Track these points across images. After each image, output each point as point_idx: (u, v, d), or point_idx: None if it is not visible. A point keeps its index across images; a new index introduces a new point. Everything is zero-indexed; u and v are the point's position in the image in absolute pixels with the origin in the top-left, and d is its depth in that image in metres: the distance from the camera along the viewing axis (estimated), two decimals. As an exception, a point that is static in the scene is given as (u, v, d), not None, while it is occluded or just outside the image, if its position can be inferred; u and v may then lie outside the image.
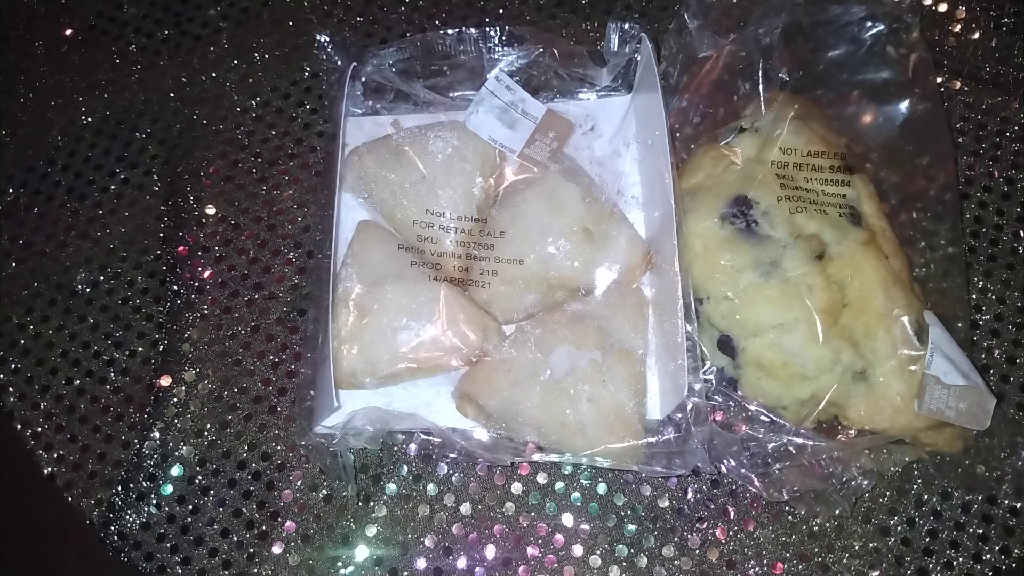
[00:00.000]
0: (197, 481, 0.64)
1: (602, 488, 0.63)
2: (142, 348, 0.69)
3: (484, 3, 0.81)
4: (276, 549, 0.62)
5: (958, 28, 0.77)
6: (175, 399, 0.67)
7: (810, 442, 0.57)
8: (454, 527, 0.62)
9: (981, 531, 0.61)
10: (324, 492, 0.63)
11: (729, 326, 0.60)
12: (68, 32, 0.82)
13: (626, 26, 0.66)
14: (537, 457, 0.59)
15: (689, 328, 0.57)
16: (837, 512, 0.60)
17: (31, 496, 0.66)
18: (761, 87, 0.65)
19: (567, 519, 0.62)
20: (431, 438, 0.59)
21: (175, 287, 0.71)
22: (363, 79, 0.70)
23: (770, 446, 0.57)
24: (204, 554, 0.62)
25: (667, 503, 0.62)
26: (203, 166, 0.75)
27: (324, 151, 0.74)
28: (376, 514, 0.63)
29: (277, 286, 0.70)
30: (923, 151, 0.65)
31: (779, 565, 0.60)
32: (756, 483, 0.58)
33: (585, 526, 0.62)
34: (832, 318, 0.58)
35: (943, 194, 0.64)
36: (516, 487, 0.63)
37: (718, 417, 0.60)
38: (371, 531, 0.62)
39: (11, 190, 0.75)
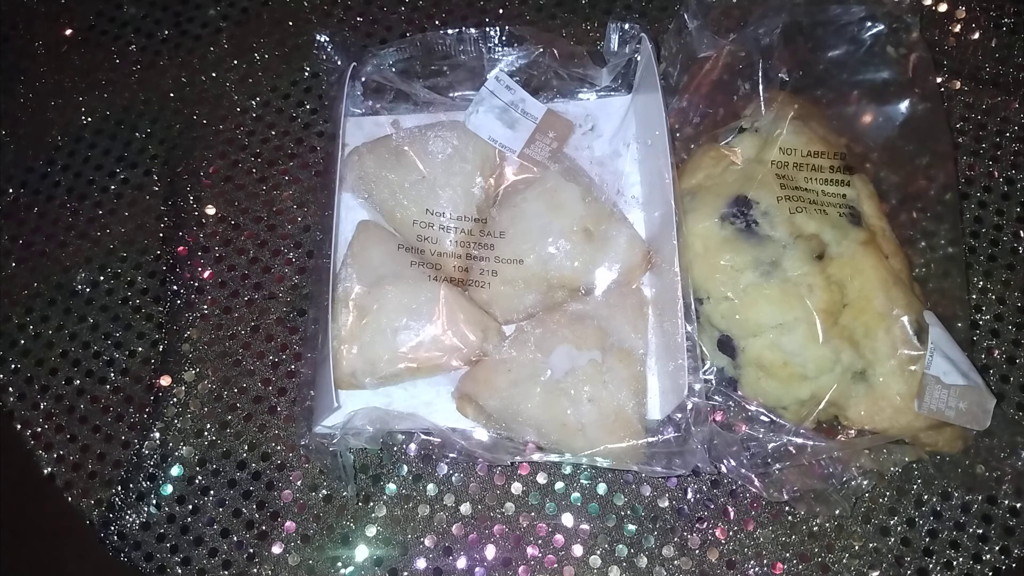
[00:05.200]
0: (197, 481, 0.64)
1: (602, 488, 0.63)
2: (142, 348, 0.69)
3: (484, 3, 0.81)
4: (276, 549, 0.62)
5: (958, 28, 0.77)
6: (175, 399, 0.67)
7: (810, 442, 0.57)
8: (454, 527, 0.62)
9: (981, 531, 0.61)
10: (324, 492, 0.63)
11: (729, 326, 0.60)
12: (68, 32, 0.82)
13: (626, 26, 0.66)
14: (537, 457, 0.59)
15: (689, 328, 0.57)
16: (837, 512, 0.60)
17: (31, 496, 0.66)
18: (761, 87, 0.65)
19: (567, 519, 0.62)
20: (431, 438, 0.59)
21: (175, 287, 0.71)
22: (363, 79, 0.70)
23: (770, 446, 0.57)
24: (204, 554, 0.62)
25: (667, 503, 0.62)
26: (203, 166, 0.75)
27: (324, 151, 0.74)
28: (376, 514, 0.63)
29: (277, 286, 0.70)
30: (923, 151, 0.65)
31: (779, 565, 0.60)
32: (756, 483, 0.58)
33: (585, 526, 0.62)
34: (832, 318, 0.58)
35: (943, 194, 0.64)
36: (516, 487, 0.63)
37: (718, 417, 0.60)
38: (371, 531, 0.62)
39: (11, 190, 0.75)
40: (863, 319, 0.58)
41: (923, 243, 0.65)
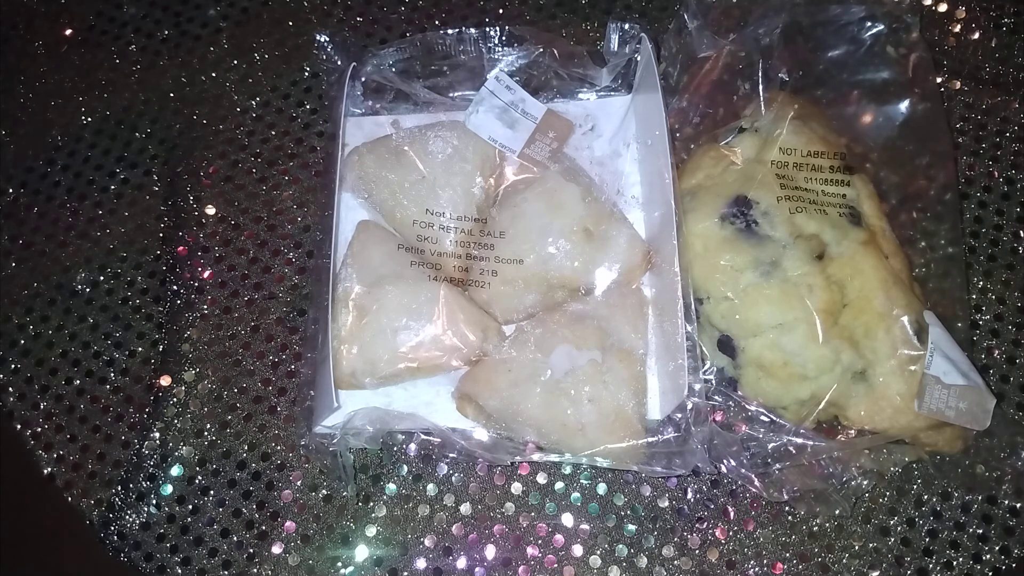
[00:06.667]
0: (197, 481, 0.64)
1: (602, 488, 0.63)
2: (142, 348, 0.69)
3: (484, 3, 0.81)
4: (276, 549, 0.62)
5: (958, 28, 0.77)
6: (175, 399, 0.67)
7: (810, 442, 0.57)
8: (454, 527, 0.62)
9: (981, 531, 0.61)
10: (324, 492, 0.63)
11: (729, 326, 0.60)
12: (68, 32, 0.82)
13: (626, 26, 0.66)
14: (537, 457, 0.59)
15: (689, 328, 0.57)
16: (837, 512, 0.60)
17: (31, 496, 0.66)
18: (761, 87, 0.65)
19: (567, 519, 0.62)
20: (431, 438, 0.59)
21: (175, 287, 0.71)
22: (363, 79, 0.70)
23: (770, 446, 0.57)
24: (204, 554, 0.62)
25: (667, 503, 0.62)
26: (203, 166, 0.75)
27: (324, 151, 0.74)
28: (376, 514, 0.63)
29: (277, 286, 0.70)
30: (923, 151, 0.65)
31: (779, 565, 0.60)
32: (756, 483, 0.58)
33: (585, 526, 0.62)
34: (832, 318, 0.58)
35: (943, 194, 0.64)
36: (516, 487, 0.63)
37: (718, 417, 0.60)
38: (371, 531, 0.62)
39: (11, 190, 0.75)
40: (863, 319, 0.58)
41: (923, 243, 0.65)
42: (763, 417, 0.59)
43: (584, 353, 0.59)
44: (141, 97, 0.79)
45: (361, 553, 0.62)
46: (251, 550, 0.62)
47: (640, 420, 0.58)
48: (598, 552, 0.61)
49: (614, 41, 0.67)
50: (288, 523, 0.63)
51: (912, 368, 0.56)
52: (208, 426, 0.66)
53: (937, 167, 0.65)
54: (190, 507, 0.63)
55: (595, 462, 0.58)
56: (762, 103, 0.65)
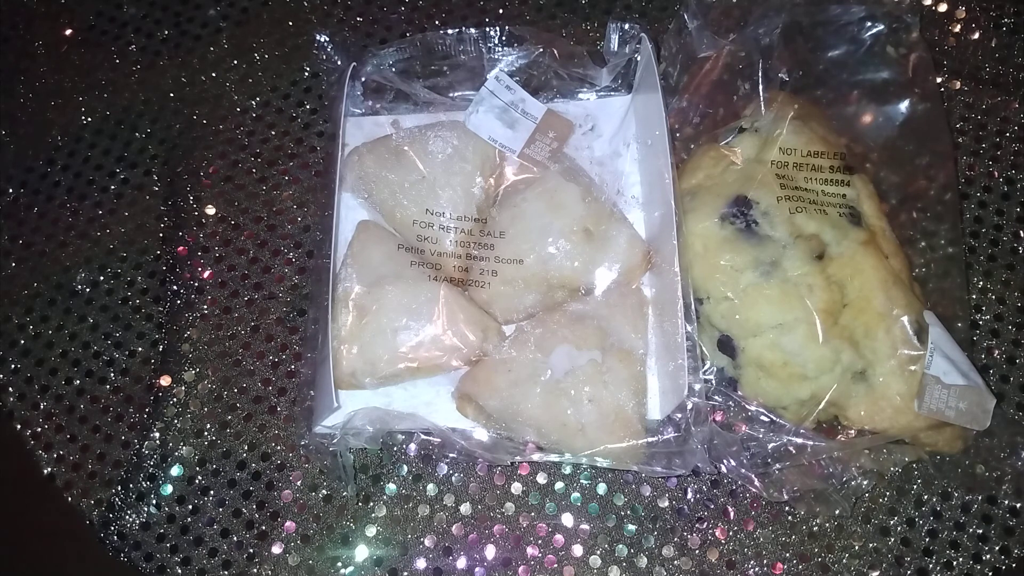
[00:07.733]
0: (197, 481, 0.64)
1: (602, 488, 0.63)
2: (142, 348, 0.69)
3: (484, 3, 0.81)
4: (276, 549, 0.62)
5: (958, 28, 0.77)
6: (175, 399, 0.67)
7: (810, 442, 0.57)
8: (454, 527, 0.62)
9: (981, 531, 0.61)
10: (324, 492, 0.63)
11: (729, 326, 0.60)
12: (68, 32, 0.82)
13: (626, 26, 0.66)
14: (537, 457, 0.59)
15: (689, 328, 0.57)
16: (837, 512, 0.60)
17: (31, 496, 0.66)
18: (761, 87, 0.65)
19: (567, 519, 0.62)
20: (431, 438, 0.59)
21: (175, 287, 0.71)
22: (363, 79, 0.70)
23: (770, 446, 0.57)
24: (204, 554, 0.62)
25: (667, 503, 0.62)
26: (203, 166, 0.75)
27: (324, 151, 0.74)
28: (376, 514, 0.63)
29: (277, 286, 0.70)
30: (923, 151, 0.65)
31: (779, 565, 0.60)
32: (756, 483, 0.58)
33: (585, 526, 0.62)
34: (832, 318, 0.58)
35: (943, 194, 0.64)
36: (516, 487, 0.63)
37: (718, 417, 0.60)
38: (371, 531, 0.62)
39: (11, 190, 0.75)
40: (863, 319, 0.58)
41: (923, 243, 0.65)
42: (763, 417, 0.59)
43: (584, 353, 0.59)
44: (141, 97, 0.79)
45: (361, 553, 0.62)
46: (251, 550, 0.62)
47: (640, 420, 0.58)
48: (598, 552, 0.61)
49: (614, 41, 0.67)
50: (288, 523, 0.63)
51: (912, 368, 0.56)
52: (208, 426, 0.66)
53: (937, 167, 0.65)
54: (190, 507, 0.63)
55: (595, 462, 0.58)
56: (762, 103, 0.65)
